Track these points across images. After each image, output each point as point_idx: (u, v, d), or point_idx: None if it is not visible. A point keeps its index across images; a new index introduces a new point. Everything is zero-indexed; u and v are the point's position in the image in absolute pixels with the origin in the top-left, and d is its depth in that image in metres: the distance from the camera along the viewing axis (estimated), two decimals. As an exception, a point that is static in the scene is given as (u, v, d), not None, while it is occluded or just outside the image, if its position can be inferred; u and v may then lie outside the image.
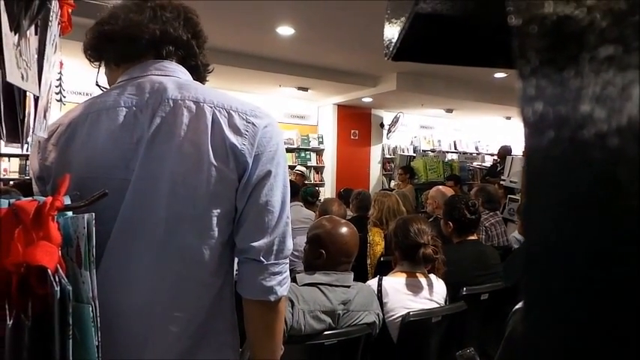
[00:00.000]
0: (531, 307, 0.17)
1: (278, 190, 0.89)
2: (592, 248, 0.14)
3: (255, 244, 0.87)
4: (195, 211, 0.84)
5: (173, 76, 0.92)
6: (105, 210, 0.80)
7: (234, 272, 0.95)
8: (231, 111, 0.87)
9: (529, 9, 0.17)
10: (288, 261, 0.93)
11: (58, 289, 0.49)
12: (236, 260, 0.94)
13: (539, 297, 0.16)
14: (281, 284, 0.90)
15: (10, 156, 5.40)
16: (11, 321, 0.46)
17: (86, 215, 0.61)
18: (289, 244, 0.92)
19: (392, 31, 0.41)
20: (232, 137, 0.85)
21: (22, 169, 5.48)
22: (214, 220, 0.86)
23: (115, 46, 0.94)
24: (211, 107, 0.86)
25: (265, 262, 0.88)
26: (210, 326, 0.89)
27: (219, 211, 0.86)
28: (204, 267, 0.87)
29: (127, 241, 0.83)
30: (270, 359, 0.95)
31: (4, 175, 5.42)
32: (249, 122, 0.87)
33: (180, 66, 0.96)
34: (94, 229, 0.61)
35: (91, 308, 0.60)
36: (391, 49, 0.41)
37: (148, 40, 0.92)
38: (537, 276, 0.16)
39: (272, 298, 0.89)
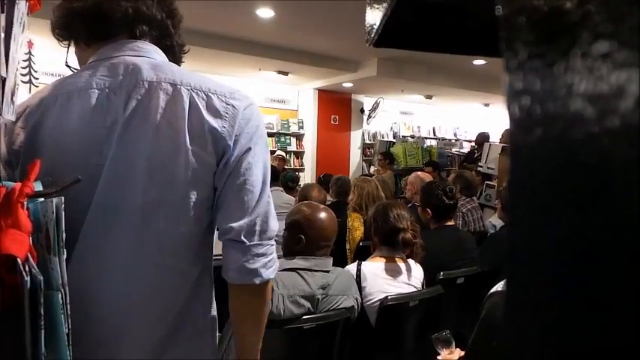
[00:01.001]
0: (513, 309, 0.17)
1: (257, 170, 0.87)
2: (579, 249, 0.13)
3: (235, 224, 0.85)
4: (172, 197, 0.82)
5: (147, 57, 0.89)
6: (78, 196, 0.77)
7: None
8: (209, 93, 0.85)
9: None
10: (274, 243, 0.90)
11: (28, 278, 0.48)
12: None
13: (521, 299, 0.16)
14: (266, 267, 0.88)
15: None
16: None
17: (55, 199, 0.58)
18: (273, 225, 0.90)
19: (373, 17, 0.40)
20: (212, 120, 0.83)
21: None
22: (192, 206, 0.84)
23: (85, 25, 0.89)
24: (188, 90, 0.83)
25: (248, 243, 0.85)
26: (189, 313, 0.88)
27: (197, 196, 0.84)
28: (181, 254, 0.85)
29: (102, 228, 0.81)
30: (254, 345, 0.93)
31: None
32: (228, 104, 0.85)
33: (155, 46, 0.92)
34: (63, 213, 0.59)
35: (60, 295, 0.59)
36: (372, 35, 0.40)
37: (120, 18, 0.88)
38: (521, 277, 0.16)
39: (257, 280, 0.86)
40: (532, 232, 0.15)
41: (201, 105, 0.83)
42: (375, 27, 0.39)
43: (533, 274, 0.15)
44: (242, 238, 0.85)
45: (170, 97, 0.82)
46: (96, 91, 0.83)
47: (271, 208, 0.90)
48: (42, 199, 0.60)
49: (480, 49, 0.39)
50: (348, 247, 2.92)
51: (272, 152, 7.27)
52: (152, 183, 0.81)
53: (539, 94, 0.15)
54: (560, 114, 0.14)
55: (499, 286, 1.45)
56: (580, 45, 0.13)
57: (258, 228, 0.86)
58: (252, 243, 0.86)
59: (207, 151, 0.83)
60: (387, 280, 1.87)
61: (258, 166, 0.87)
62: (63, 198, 0.59)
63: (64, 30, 0.92)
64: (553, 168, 0.14)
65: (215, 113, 0.84)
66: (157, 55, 0.91)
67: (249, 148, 0.86)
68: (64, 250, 0.60)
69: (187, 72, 0.89)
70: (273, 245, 0.90)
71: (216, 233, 0.93)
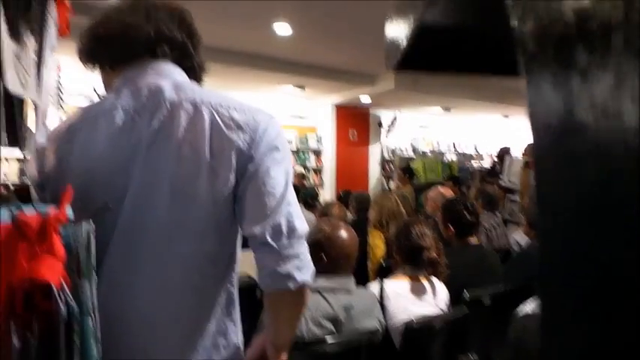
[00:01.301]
0: (548, 318, 0.16)
1: (278, 173, 0.86)
2: (607, 256, 0.13)
3: (259, 227, 0.82)
4: (195, 216, 0.82)
5: (169, 77, 0.90)
6: (109, 217, 0.78)
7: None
8: (230, 109, 0.86)
9: (535, 16, 0.16)
10: (304, 244, 0.86)
11: (64, 308, 0.48)
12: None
13: (555, 309, 0.16)
14: (300, 269, 0.83)
15: (8, 159, 5.36)
16: (18, 341, 0.45)
17: (85, 225, 0.59)
18: (301, 225, 0.86)
19: (394, 42, 0.40)
20: (234, 135, 0.83)
21: (22, 173, 5.43)
22: (216, 225, 0.84)
23: (109, 49, 0.92)
24: (209, 108, 0.85)
25: (276, 245, 0.82)
26: (215, 330, 0.87)
27: (220, 215, 0.84)
28: (207, 273, 0.85)
29: (127, 248, 0.82)
30: (289, 335, 0.94)
31: (4, 180, 5.37)
32: (249, 118, 0.86)
33: (177, 67, 0.94)
34: (93, 239, 0.60)
35: (91, 320, 0.59)
36: (393, 61, 0.40)
37: (143, 41, 0.90)
38: (553, 286, 0.16)
39: (291, 285, 0.82)
40: (561, 242, 0.15)
41: (222, 122, 0.84)
42: (396, 52, 0.39)
43: (564, 294, 0.15)
44: (269, 240, 0.82)
45: (191, 116, 0.83)
46: (121, 112, 0.85)
47: (297, 210, 0.87)
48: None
49: (498, 69, 0.39)
50: (369, 265, 2.88)
51: (290, 168, 7.31)
52: (176, 203, 0.81)
53: (562, 112, 0.15)
54: (580, 128, 0.14)
55: (527, 307, 1.41)
56: (598, 63, 0.13)
57: (284, 228, 0.83)
58: (280, 244, 0.82)
59: (229, 168, 0.83)
60: (411, 300, 1.83)
61: (279, 170, 0.86)
62: (94, 225, 0.60)
63: (91, 56, 0.94)
64: (577, 179, 0.14)
65: (237, 127, 0.84)
66: (179, 75, 0.93)
67: (269, 153, 0.85)
68: (95, 274, 0.60)
69: (208, 91, 0.90)
70: (304, 246, 0.86)
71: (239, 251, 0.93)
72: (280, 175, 0.86)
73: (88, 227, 0.60)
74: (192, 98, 0.85)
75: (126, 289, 0.82)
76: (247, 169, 0.84)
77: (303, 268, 0.84)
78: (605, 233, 0.13)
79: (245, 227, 0.85)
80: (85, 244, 0.59)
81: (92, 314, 0.60)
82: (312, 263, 0.87)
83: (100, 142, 0.84)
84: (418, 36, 0.37)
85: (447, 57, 0.43)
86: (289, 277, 0.82)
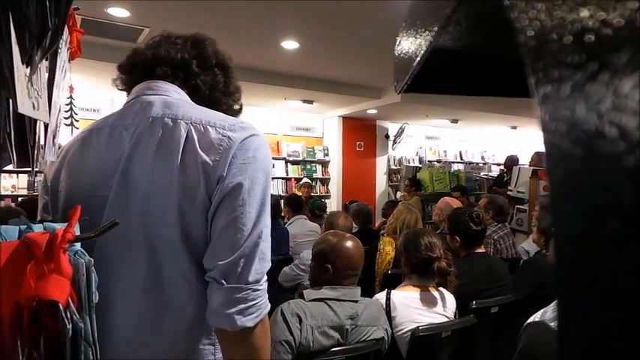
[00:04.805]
0: (566, 321, 0.17)
1: (251, 208, 0.82)
2: (625, 258, 0.14)
3: (218, 263, 0.80)
4: (167, 233, 0.81)
5: (164, 95, 0.92)
6: (89, 228, 0.77)
7: None
8: (208, 126, 0.84)
9: (539, 26, 0.16)
10: (259, 288, 0.82)
11: (70, 326, 0.49)
12: None
13: (573, 311, 0.17)
14: (243, 314, 0.79)
15: (18, 172, 5.45)
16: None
17: (86, 260, 0.59)
18: (257, 268, 0.82)
19: (402, 67, 0.41)
20: (204, 154, 0.81)
21: (31, 186, 5.52)
22: (187, 242, 0.82)
23: (121, 76, 1.00)
24: (187, 123, 0.83)
25: (225, 285, 0.79)
26: (193, 347, 0.85)
27: (192, 232, 0.82)
28: (182, 290, 0.83)
29: (104, 264, 0.80)
30: None
31: (13, 192, 5.46)
32: (224, 136, 0.83)
33: (175, 86, 0.95)
34: (93, 275, 0.60)
35: (91, 352, 0.58)
36: (401, 85, 0.41)
37: (141, 64, 0.96)
38: (571, 289, 0.16)
39: (228, 327, 0.79)
40: (580, 254, 0.16)
41: (197, 138, 0.82)
42: (404, 75, 0.40)
43: (582, 296, 0.15)
44: (221, 279, 0.80)
45: (168, 131, 0.83)
46: (111, 129, 0.88)
47: (259, 250, 0.83)
48: (79, 244, 0.62)
49: (508, 90, 0.39)
50: (376, 268, 2.87)
51: (298, 180, 7.33)
52: (148, 217, 0.81)
53: (571, 123, 0.15)
54: (593, 146, 0.14)
55: (537, 317, 1.40)
56: (610, 74, 0.14)
57: (239, 269, 0.80)
58: (230, 285, 0.79)
59: (200, 187, 0.80)
60: (417, 309, 1.83)
61: (253, 204, 0.82)
62: (92, 260, 0.61)
63: (118, 84, 1.01)
64: (590, 191, 0.15)
65: (209, 146, 0.82)
66: (176, 93, 0.94)
67: (241, 183, 0.81)
68: (94, 309, 0.60)
69: (196, 108, 0.90)
70: (257, 291, 0.82)
71: None
72: (253, 209, 0.82)
73: (88, 263, 0.59)
74: (174, 114, 0.85)
75: (105, 306, 0.78)
76: (218, 192, 0.81)
77: (248, 313, 0.80)
78: (624, 236, 0.14)
79: (206, 258, 0.82)
80: (85, 281, 0.58)
81: (92, 346, 0.58)
82: (263, 309, 0.83)
83: (89, 157, 0.87)
84: (428, 59, 0.36)
85: (457, 80, 0.43)
86: (229, 318, 0.79)
